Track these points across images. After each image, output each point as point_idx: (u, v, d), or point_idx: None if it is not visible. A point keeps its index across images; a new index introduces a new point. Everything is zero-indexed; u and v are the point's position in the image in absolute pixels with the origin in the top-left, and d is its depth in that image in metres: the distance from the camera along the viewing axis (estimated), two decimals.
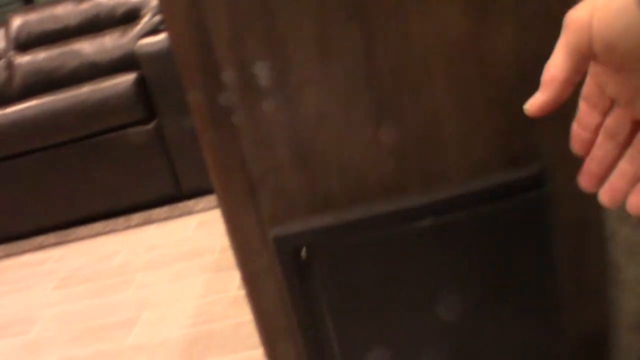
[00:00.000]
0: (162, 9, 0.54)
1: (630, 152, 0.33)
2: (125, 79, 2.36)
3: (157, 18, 2.69)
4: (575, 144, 0.35)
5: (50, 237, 2.49)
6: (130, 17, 2.82)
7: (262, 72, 0.54)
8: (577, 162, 0.58)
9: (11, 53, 2.94)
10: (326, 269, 0.57)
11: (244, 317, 1.36)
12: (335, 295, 0.58)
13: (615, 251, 0.60)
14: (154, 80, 2.30)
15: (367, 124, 0.55)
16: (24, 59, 2.90)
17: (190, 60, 0.54)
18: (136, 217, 2.42)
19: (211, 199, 2.29)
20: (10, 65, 2.92)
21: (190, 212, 2.29)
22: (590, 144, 0.34)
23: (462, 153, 0.57)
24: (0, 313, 1.82)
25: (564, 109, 0.56)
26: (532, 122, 0.57)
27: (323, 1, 0.52)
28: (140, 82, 2.35)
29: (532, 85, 0.54)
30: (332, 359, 0.59)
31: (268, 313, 0.61)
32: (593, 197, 0.59)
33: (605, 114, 0.33)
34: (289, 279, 0.57)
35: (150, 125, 2.38)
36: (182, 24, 0.53)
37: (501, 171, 0.57)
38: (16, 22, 2.99)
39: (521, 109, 0.56)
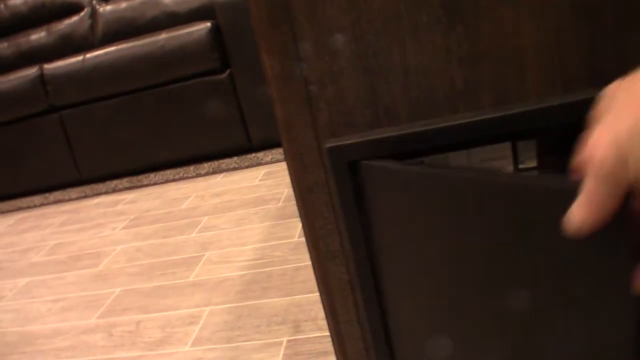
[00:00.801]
0: None
1: None
2: (202, 27, 2.36)
3: None
4: None
5: (124, 182, 2.57)
6: None
7: None
8: None
9: (95, 2, 3.01)
10: (383, 195, 0.53)
11: (303, 262, 1.34)
12: (389, 234, 0.54)
13: None
14: (229, 30, 2.29)
15: (436, 29, 0.50)
16: (107, 8, 2.96)
17: None
18: (206, 165, 2.45)
19: (280, 151, 2.29)
20: (94, 14, 3.00)
21: (259, 163, 2.29)
22: None
23: (542, 66, 0.51)
24: (72, 247, 1.88)
25: None
26: (624, 33, 0.50)
27: None
28: (215, 32, 2.36)
29: None
30: (382, 284, 0.56)
31: (320, 232, 0.58)
32: None
33: None
34: (344, 195, 0.53)
35: (224, 75, 2.39)
36: None
37: (585, 88, 0.51)
38: None
39: (610, 20, 0.50)
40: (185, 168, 2.46)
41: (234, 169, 2.29)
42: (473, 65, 0.51)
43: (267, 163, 2.26)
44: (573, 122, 0.51)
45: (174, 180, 2.35)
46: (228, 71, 2.31)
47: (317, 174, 0.56)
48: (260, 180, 2.06)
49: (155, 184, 2.38)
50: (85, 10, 2.99)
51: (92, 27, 2.94)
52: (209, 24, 2.30)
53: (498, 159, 0.52)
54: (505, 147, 0.52)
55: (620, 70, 0.51)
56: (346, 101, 0.53)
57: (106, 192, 2.46)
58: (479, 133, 0.50)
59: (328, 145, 0.52)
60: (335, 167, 0.52)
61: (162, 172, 2.50)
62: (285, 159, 0.58)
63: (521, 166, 0.53)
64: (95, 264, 1.69)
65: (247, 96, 2.31)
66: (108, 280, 1.56)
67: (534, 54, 0.51)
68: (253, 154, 2.39)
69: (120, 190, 2.44)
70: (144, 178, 2.50)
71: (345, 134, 0.54)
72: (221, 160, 2.43)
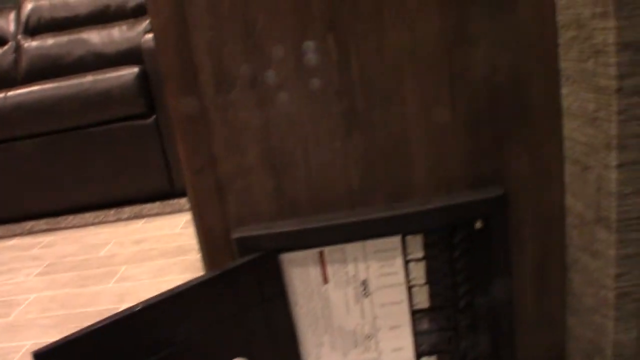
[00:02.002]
0: (148, 8, 0.56)
1: None
2: (129, 72, 2.37)
3: None
4: None
5: (41, 223, 2.51)
6: (140, 11, 2.85)
7: (237, 74, 0.55)
8: (539, 188, 0.59)
9: (20, 37, 2.96)
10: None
11: None
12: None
13: (575, 280, 0.61)
14: (156, 76, 2.32)
15: (336, 134, 0.56)
16: (32, 44, 2.92)
17: (169, 59, 0.55)
18: (127, 210, 2.43)
19: None
20: (18, 49, 2.95)
21: (180, 210, 2.30)
22: None
23: (428, 170, 0.58)
24: None
25: (528, 136, 0.57)
26: (500, 145, 0.58)
27: (303, 11, 0.54)
28: (143, 77, 2.37)
29: (504, 106, 0.56)
30: None
31: None
32: (554, 222, 0.60)
33: None
34: (249, 282, 0.58)
35: (149, 120, 2.40)
36: (165, 23, 0.55)
37: (466, 191, 0.58)
38: (28, 6, 3.01)
39: (490, 131, 0.57)
40: (105, 212, 2.44)
41: (156, 214, 2.29)
42: (368, 167, 0.57)
43: (189, 210, 2.27)
44: (454, 221, 0.58)
45: (93, 224, 2.32)
46: (154, 116, 2.33)
47: (226, 258, 0.60)
48: (181, 228, 2.07)
49: (73, 226, 2.34)
50: (10, 44, 2.94)
51: (16, 62, 2.89)
52: (136, 69, 2.32)
53: (389, 250, 0.58)
54: (396, 240, 0.58)
55: (496, 176, 0.58)
56: (253, 195, 0.58)
57: (21, 234, 2.39)
58: (373, 230, 0.56)
59: (235, 236, 0.56)
60: (242, 254, 0.57)
61: (81, 215, 2.46)
62: (198, 244, 0.62)
63: (409, 257, 0.59)
64: (6, 314, 1.65)
65: (172, 142, 2.33)
66: (19, 332, 1.52)
67: (421, 159, 0.58)
68: (175, 200, 2.40)
69: (36, 232, 2.38)
70: (62, 220, 2.45)
71: (252, 224, 0.59)
72: (143, 205, 2.42)
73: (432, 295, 0.61)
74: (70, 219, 2.44)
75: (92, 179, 2.43)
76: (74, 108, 2.39)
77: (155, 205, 2.41)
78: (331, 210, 0.59)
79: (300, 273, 0.58)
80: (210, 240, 0.60)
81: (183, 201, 2.36)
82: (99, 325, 0.48)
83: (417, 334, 0.62)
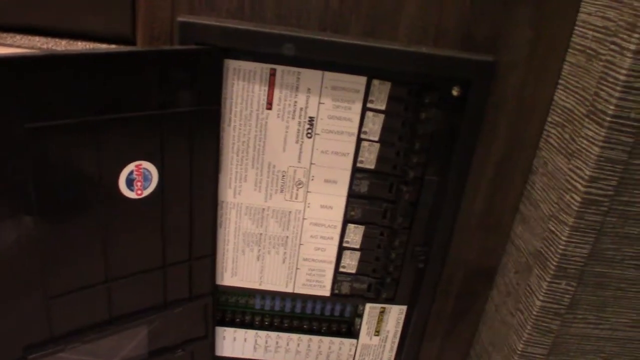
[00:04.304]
0: None
1: None
2: None
3: None
4: None
5: None
6: None
7: None
8: (531, 74, 0.52)
9: None
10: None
11: None
12: None
13: (537, 183, 0.55)
14: None
15: None
16: None
17: None
18: (80, 45, 2.26)
19: None
20: None
21: None
22: None
23: (420, 11, 0.50)
24: None
25: (538, 12, 0.48)
26: (505, 11, 0.50)
27: None
28: None
29: None
30: None
31: None
32: (536, 116, 0.53)
33: None
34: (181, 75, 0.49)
35: None
36: None
37: (452, 48, 0.51)
38: None
39: None
40: (56, 40, 2.27)
41: None
42: None
43: None
44: (433, 76, 0.50)
45: (40, 49, 2.16)
46: None
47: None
48: None
49: (20, 47, 2.17)
50: None
51: None
52: None
53: (350, 91, 0.51)
54: (361, 81, 0.50)
55: (489, 41, 0.51)
56: None
57: None
58: (338, 56, 0.48)
59: (180, 19, 0.47)
60: (183, 44, 0.48)
61: (30, 37, 2.28)
62: (136, 24, 0.53)
63: (369, 105, 0.52)
64: None
65: None
66: None
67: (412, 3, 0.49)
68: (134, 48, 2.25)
69: None
70: (9, 37, 2.27)
71: (205, 15, 0.50)
72: (97, 44, 2.26)
73: (381, 157, 0.54)
74: (18, 38, 2.26)
75: (50, 2, 2.24)
76: None
77: (111, 48, 2.25)
78: (297, 26, 0.50)
79: (243, 88, 0.50)
80: (151, 24, 0.51)
81: None
82: None
83: (351, 196, 0.55)
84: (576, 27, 0.51)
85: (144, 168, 0.48)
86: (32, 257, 0.45)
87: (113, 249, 0.49)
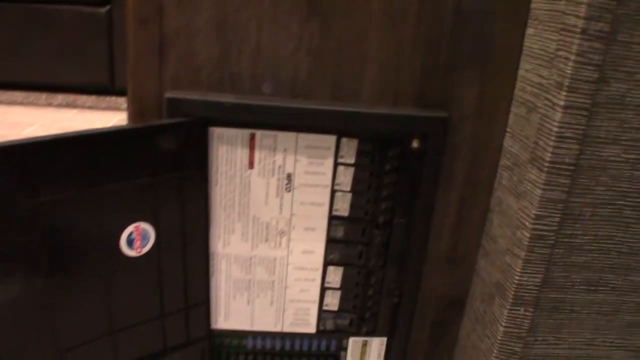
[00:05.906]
0: None
1: None
2: None
3: None
4: None
5: None
6: None
7: None
8: (482, 123, 0.58)
9: None
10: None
11: None
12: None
13: (494, 221, 0.62)
14: None
15: (294, 17, 0.54)
16: None
17: None
18: (61, 97, 2.32)
19: None
20: None
21: (117, 108, 2.22)
22: None
23: (379, 75, 0.56)
24: None
25: (483, 70, 0.55)
26: (454, 72, 0.57)
27: None
28: None
29: (467, 35, 0.54)
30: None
31: None
32: (488, 161, 0.59)
33: None
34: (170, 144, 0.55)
35: (103, 10, 2.28)
36: None
37: (411, 107, 0.57)
38: None
39: (447, 56, 0.56)
40: (36, 94, 2.32)
41: (90, 107, 2.21)
42: (319, 58, 0.55)
43: (124, 110, 2.19)
44: (394, 131, 0.57)
45: (22, 103, 2.21)
46: (108, 7, 2.22)
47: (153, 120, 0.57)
48: (114, 124, 2.00)
49: (0, 102, 2.23)
50: None
51: None
52: None
53: (322, 148, 0.57)
54: (331, 140, 0.57)
55: (441, 99, 0.57)
56: (196, 59, 0.55)
57: None
58: (309, 120, 0.55)
59: (168, 96, 0.54)
60: (171, 117, 0.54)
61: (10, 92, 2.33)
62: (127, 101, 0.59)
63: (340, 160, 0.58)
64: None
65: (122, 36, 2.23)
66: None
67: (375, 64, 0.56)
68: (114, 97, 2.31)
69: None
70: None
71: (189, 89, 0.56)
72: (78, 96, 2.32)
73: (353, 205, 0.60)
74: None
75: (30, 58, 2.30)
76: None
77: (91, 99, 2.31)
78: (272, 95, 0.56)
79: (227, 151, 0.56)
80: (140, 99, 0.57)
81: (121, 100, 2.28)
82: None
83: (329, 241, 0.61)
84: (518, 82, 0.58)
85: (142, 228, 0.54)
86: (44, 314, 0.51)
87: (117, 303, 0.55)
